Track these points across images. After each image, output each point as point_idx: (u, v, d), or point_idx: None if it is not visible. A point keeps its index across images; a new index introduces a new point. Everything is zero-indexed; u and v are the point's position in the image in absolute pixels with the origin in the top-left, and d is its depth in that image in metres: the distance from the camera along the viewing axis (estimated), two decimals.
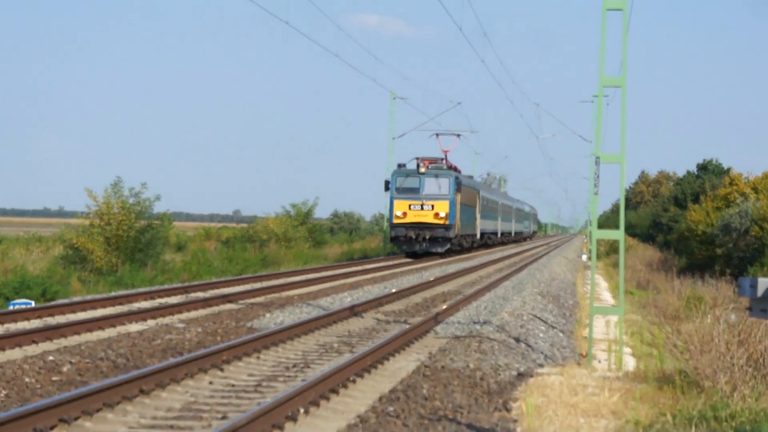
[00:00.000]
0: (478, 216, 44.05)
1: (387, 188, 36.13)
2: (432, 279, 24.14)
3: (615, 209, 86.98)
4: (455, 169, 38.30)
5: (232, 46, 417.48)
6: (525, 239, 79.58)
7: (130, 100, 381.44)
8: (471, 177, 47.31)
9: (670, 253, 45.64)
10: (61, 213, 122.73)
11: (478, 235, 45.42)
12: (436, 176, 35.39)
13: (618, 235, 11.66)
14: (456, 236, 36.66)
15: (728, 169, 50.37)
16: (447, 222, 34.74)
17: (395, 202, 35.15)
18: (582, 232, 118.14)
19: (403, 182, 35.63)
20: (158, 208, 32.05)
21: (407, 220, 34.70)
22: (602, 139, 41.38)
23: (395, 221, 34.90)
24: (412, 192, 35.28)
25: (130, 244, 29.21)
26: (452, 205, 35.28)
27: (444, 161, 37.75)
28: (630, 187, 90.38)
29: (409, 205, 34.88)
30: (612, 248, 45.07)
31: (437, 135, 42.09)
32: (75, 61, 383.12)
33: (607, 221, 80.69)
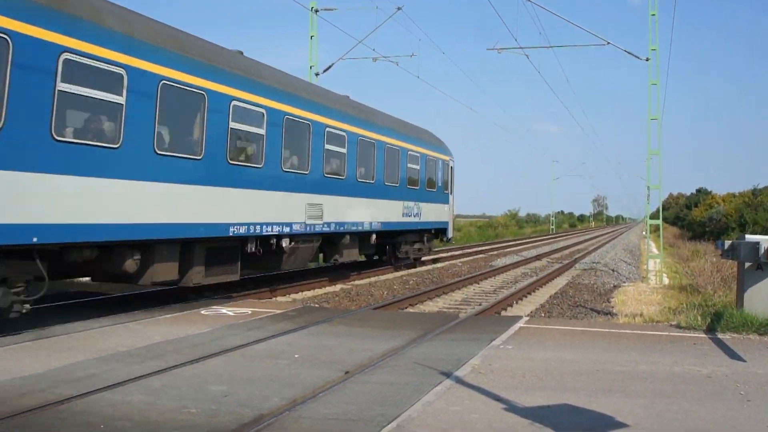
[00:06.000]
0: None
1: None
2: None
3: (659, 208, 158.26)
4: None
5: None
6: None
7: None
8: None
9: (684, 231, 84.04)
10: None
11: None
12: None
13: (659, 222, 23.76)
14: None
15: (710, 191, 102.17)
16: None
17: None
18: (643, 221, 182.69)
19: None
20: None
21: None
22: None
23: None
24: None
25: None
26: None
27: None
28: (664, 199, 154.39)
29: None
30: (656, 228, 72.26)
31: None
32: None
33: (655, 214, 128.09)
